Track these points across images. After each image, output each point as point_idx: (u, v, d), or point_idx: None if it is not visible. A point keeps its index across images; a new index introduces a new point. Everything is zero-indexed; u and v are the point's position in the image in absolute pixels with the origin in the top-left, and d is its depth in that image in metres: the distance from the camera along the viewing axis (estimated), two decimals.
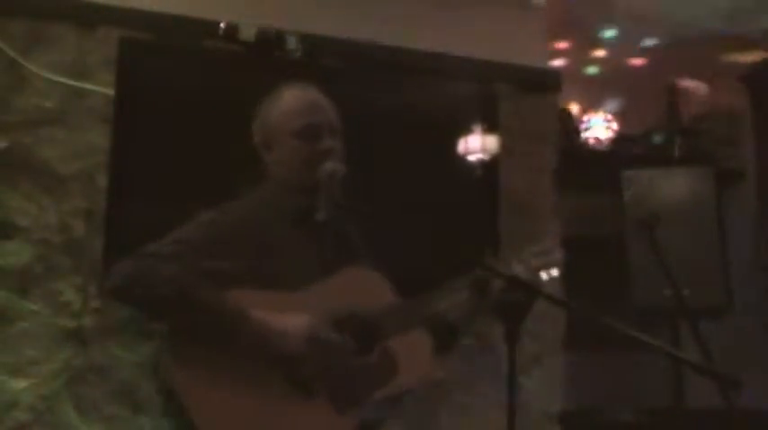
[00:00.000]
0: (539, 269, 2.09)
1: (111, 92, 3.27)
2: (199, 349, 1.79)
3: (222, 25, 3.38)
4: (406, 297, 1.99)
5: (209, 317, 1.79)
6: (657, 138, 4.95)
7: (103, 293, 1.90)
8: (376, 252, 2.11)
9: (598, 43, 4.61)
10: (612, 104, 5.16)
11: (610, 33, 4.48)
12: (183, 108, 3.30)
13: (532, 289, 1.83)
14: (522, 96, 4.03)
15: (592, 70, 4.96)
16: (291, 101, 2.06)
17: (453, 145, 3.89)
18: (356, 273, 1.98)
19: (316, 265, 1.96)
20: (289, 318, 1.82)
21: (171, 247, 1.87)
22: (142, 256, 1.86)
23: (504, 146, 3.93)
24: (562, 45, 4.54)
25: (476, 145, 3.89)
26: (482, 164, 3.88)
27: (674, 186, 4.16)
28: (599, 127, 4.94)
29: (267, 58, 3.45)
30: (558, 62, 4.64)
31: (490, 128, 3.90)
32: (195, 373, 1.77)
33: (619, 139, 4.95)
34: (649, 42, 4.54)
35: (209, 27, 3.39)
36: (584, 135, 4.96)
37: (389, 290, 1.99)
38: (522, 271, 2.02)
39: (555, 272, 2.12)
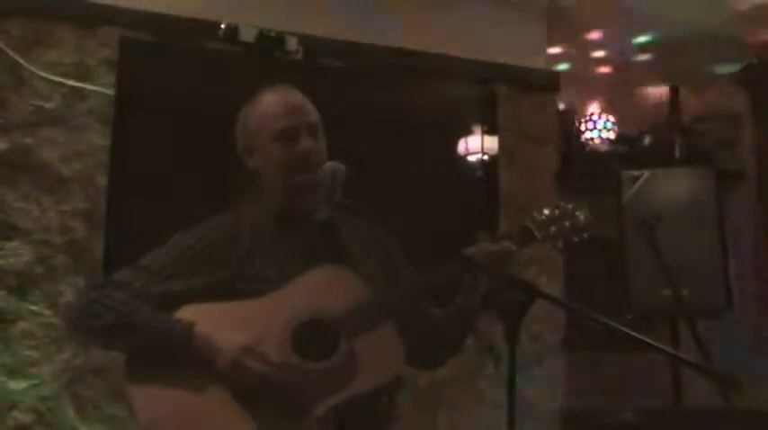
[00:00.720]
0: (548, 239, 2.01)
1: (111, 92, 3.28)
2: (153, 369, 1.84)
3: (222, 26, 3.39)
4: (369, 294, 1.94)
5: (154, 339, 1.83)
6: (657, 139, 4.95)
7: (64, 325, 1.98)
8: (375, 252, 2.09)
9: (598, 43, 4.61)
10: (612, 105, 5.16)
11: (609, 33, 4.48)
12: (182, 109, 3.30)
13: (532, 288, 1.82)
14: (522, 97, 4.03)
15: (591, 70, 4.96)
16: (269, 104, 2.04)
17: (453, 146, 3.89)
18: (326, 273, 1.94)
19: (296, 268, 1.93)
20: (226, 338, 1.84)
21: (129, 274, 1.92)
22: (97, 287, 1.92)
23: (504, 146, 3.94)
24: (562, 45, 4.54)
25: (476, 145, 3.90)
26: (482, 164, 3.88)
27: (674, 186, 4.16)
28: (599, 127, 4.94)
29: (267, 59, 3.45)
30: (557, 62, 4.64)
31: (490, 128, 3.90)
32: (148, 392, 1.83)
33: (619, 140, 4.95)
34: (649, 43, 4.54)
35: (209, 28, 3.39)
36: (584, 135, 4.96)
37: (358, 287, 1.92)
38: (539, 231, 1.97)
39: (575, 238, 2.00)
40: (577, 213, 2.04)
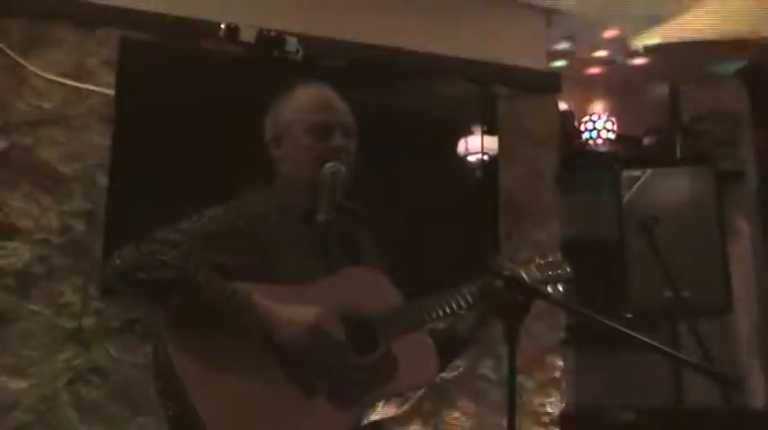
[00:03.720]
0: (546, 282, 2.10)
1: (111, 92, 3.28)
2: (200, 339, 1.77)
3: (222, 26, 3.38)
4: (407, 298, 1.99)
5: (213, 301, 1.77)
6: (657, 139, 4.95)
7: (106, 278, 1.86)
8: (377, 252, 2.10)
9: (598, 44, 4.61)
10: (612, 105, 5.16)
11: (610, 34, 4.48)
12: (182, 108, 3.30)
13: (533, 290, 1.82)
14: (522, 97, 4.03)
15: (591, 71, 4.96)
16: (305, 98, 2.05)
17: (453, 146, 3.89)
18: (360, 272, 1.98)
19: (320, 264, 1.95)
20: (295, 308, 1.81)
21: (175, 236, 1.85)
22: (146, 242, 1.84)
23: (504, 147, 3.94)
24: (562, 46, 4.54)
25: (476, 146, 3.90)
26: (482, 165, 3.88)
27: (674, 186, 4.16)
28: (599, 127, 4.94)
29: (267, 60, 3.45)
30: (557, 63, 4.64)
31: (490, 129, 3.90)
32: (197, 362, 1.75)
33: (619, 140, 4.95)
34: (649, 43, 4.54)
35: (209, 28, 3.38)
36: (584, 136, 4.96)
37: (392, 291, 1.98)
38: (528, 277, 2.04)
39: (560, 287, 2.14)
40: (565, 265, 2.16)
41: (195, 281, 1.77)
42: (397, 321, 1.91)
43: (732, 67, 4.81)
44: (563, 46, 4.54)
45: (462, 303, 1.99)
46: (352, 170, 2.00)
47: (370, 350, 1.86)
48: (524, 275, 2.05)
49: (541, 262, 2.13)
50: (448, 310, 1.99)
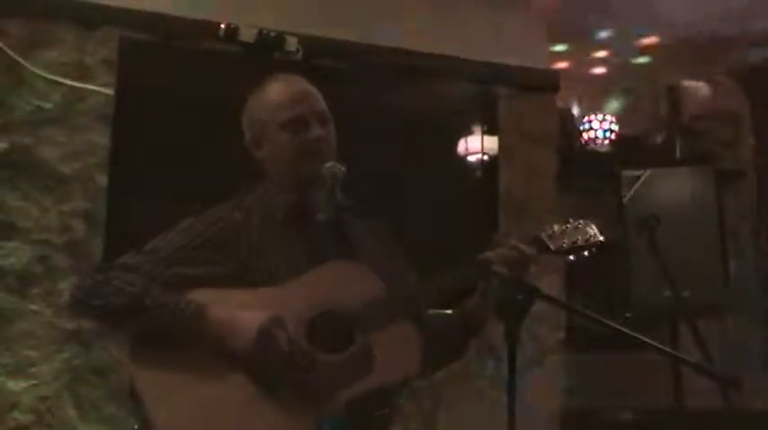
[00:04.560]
0: (569, 252, 2.03)
1: (111, 92, 3.28)
2: (160, 356, 1.79)
3: (222, 26, 3.39)
4: (385, 290, 1.92)
5: (165, 320, 1.79)
6: (657, 139, 4.96)
7: (67, 307, 1.91)
8: (376, 252, 2.09)
9: (598, 44, 4.61)
10: (612, 105, 5.16)
11: (610, 34, 4.48)
12: (182, 108, 3.30)
13: (532, 289, 1.82)
14: (522, 97, 4.03)
15: (591, 71, 4.96)
16: (276, 93, 2.01)
17: (453, 146, 3.89)
18: (341, 267, 1.92)
19: (304, 262, 1.91)
20: (248, 314, 1.80)
21: (138, 258, 1.87)
22: (103, 269, 1.87)
23: (504, 147, 3.94)
24: (562, 46, 4.54)
25: (476, 146, 3.89)
26: (482, 165, 3.88)
27: (674, 186, 4.16)
28: (599, 127, 4.94)
29: (267, 60, 3.45)
30: (557, 63, 4.64)
31: (490, 129, 3.90)
32: (156, 377, 1.78)
33: (619, 140, 4.95)
34: (649, 43, 4.54)
35: (209, 28, 3.39)
36: (584, 136, 4.96)
37: (375, 284, 1.90)
38: (528, 250, 1.97)
39: (585, 253, 2.04)
40: (588, 229, 2.06)
41: (142, 304, 1.78)
42: (374, 314, 1.84)
43: (732, 67, 4.81)
44: (563, 46, 4.55)
45: (445, 287, 1.93)
46: (346, 164, 1.96)
47: (343, 347, 1.82)
48: (549, 242, 1.97)
49: (556, 230, 2.03)
50: (432, 297, 1.95)
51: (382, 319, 1.85)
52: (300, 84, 2.04)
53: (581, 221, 2.07)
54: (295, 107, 1.97)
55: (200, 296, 1.83)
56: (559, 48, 4.54)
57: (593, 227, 2.06)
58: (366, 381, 1.80)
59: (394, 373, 1.84)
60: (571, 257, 2.04)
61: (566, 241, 2.03)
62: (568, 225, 2.05)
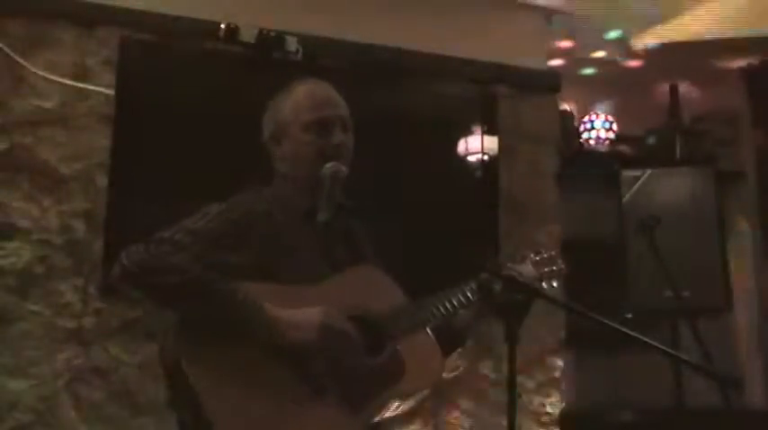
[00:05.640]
0: (540, 278, 2.13)
1: (111, 92, 3.28)
2: (209, 343, 1.76)
3: (222, 26, 3.38)
4: (408, 297, 1.99)
5: (222, 307, 1.76)
6: (657, 139, 4.95)
7: (113, 278, 1.82)
8: (377, 252, 2.10)
9: (598, 44, 4.61)
10: (612, 105, 5.16)
11: (612, 34, 4.48)
12: (182, 108, 3.30)
13: (532, 289, 1.82)
14: (522, 97, 4.03)
15: (591, 71, 4.95)
16: (303, 95, 2.04)
17: (453, 146, 3.89)
18: (363, 272, 1.97)
19: (323, 263, 1.94)
20: (302, 310, 1.81)
21: (181, 236, 1.83)
22: (154, 243, 1.82)
23: (504, 147, 3.94)
24: (562, 46, 4.53)
25: (476, 146, 3.89)
26: (482, 165, 3.88)
27: (674, 186, 4.16)
28: (599, 127, 4.94)
29: (267, 60, 3.45)
30: (557, 63, 4.63)
31: (490, 129, 3.90)
32: (206, 367, 1.74)
33: (619, 140, 4.95)
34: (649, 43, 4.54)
35: (209, 28, 3.39)
36: (584, 136, 4.96)
37: (395, 290, 1.97)
38: (524, 273, 2.05)
39: (555, 283, 2.17)
40: (559, 261, 2.19)
41: (207, 285, 1.76)
42: (402, 321, 1.90)
43: (732, 67, 4.81)
44: (563, 46, 4.54)
45: (463, 301, 1.99)
46: (350, 166, 1.99)
47: (378, 351, 1.85)
48: (520, 272, 2.06)
49: (536, 258, 2.15)
50: (450, 309, 1.99)
51: (409, 327, 1.90)
52: (328, 89, 2.07)
53: (552, 252, 2.22)
54: (320, 110, 2.00)
55: (246, 287, 1.80)
56: (559, 47, 4.53)
57: (559, 259, 2.21)
58: (400, 387, 1.85)
59: (422, 380, 1.90)
60: (544, 285, 2.16)
61: (546, 269, 2.16)
62: (545, 254, 2.19)
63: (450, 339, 2.08)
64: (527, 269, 2.08)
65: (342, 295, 1.88)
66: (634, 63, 4.79)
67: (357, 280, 1.93)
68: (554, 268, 2.15)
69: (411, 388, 1.87)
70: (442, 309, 1.97)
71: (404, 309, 1.92)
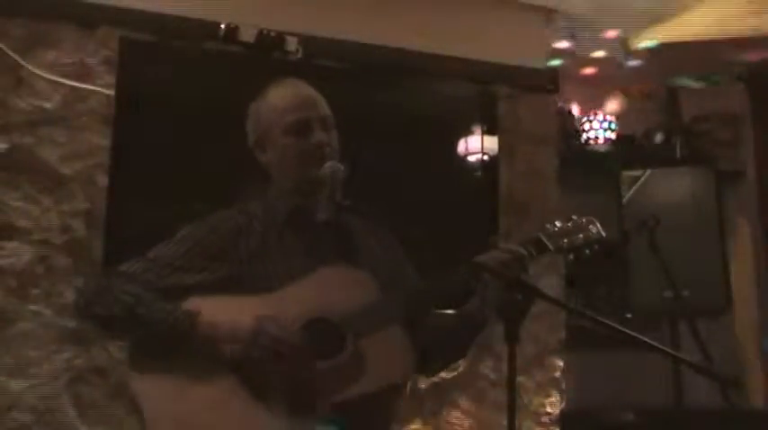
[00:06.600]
0: (570, 249, 2.01)
1: (111, 92, 3.28)
2: (157, 360, 1.84)
3: (222, 26, 3.39)
4: (379, 295, 1.93)
5: (157, 328, 1.83)
6: (657, 139, 4.95)
7: (74, 308, 1.99)
8: (377, 254, 2.09)
9: (598, 44, 4.61)
10: (612, 105, 5.16)
11: (609, 34, 4.48)
12: (182, 108, 3.30)
13: (532, 289, 1.82)
14: (522, 97, 4.03)
15: (591, 71, 4.95)
16: (280, 97, 2.03)
17: (453, 146, 3.89)
18: (336, 272, 1.93)
19: (303, 266, 1.92)
20: (244, 318, 1.83)
21: (139, 265, 1.92)
22: (108, 276, 1.93)
23: (504, 147, 3.94)
24: (562, 46, 4.53)
25: (475, 146, 3.89)
26: (482, 164, 3.88)
27: (674, 186, 4.17)
28: (599, 127, 4.93)
29: (267, 60, 3.45)
30: (557, 62, 4.63)
31: (490, 129, 3.90)
32: (153, 383, 1.83)
33: (619, 140, 4.95)
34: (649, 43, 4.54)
35: (209, 28, 3.39)
36: (584, 135, 4.96)
37: (370, 288, 1.91)
38: (520, 250, 1.97)
39: (587, 251, 2.01)
40: (590, 226, 2.04)
41: (136, 313, 1.83)
42: (366, 320, 1.85)
43: (733, 67, 4.81)
44: (563, 46, 4.54)
45: (438, 294, 1.95)
46: (346, 164, 1.98)
47: (336, 352, 1.83)
48: (517, 251, 1.97)
49: (556, 229, 2.01)
50: (425, 304, 1.97)
51: (375, 324, 1.86)
52: (304, 89, 2.06)
53: (583, 219, 2.05)
54: (299, 111, 1.99)
55: (196, 304, 1.86)
56: (559, 47, 4.53)
57: (596, 224, 2.04)
58: (357, 387, 1.81)
59: (384, 378, 1.85)
60: (571, 256, 2.03)
61: (566, 240, 2.02)
62: (570, 223, 2.04)
63: (451, 347, 2.07)
64: (495, 254, 1.96)
65: (303, 297, 1.87)
66: (634, 63, 4.78)
67: (325, 281, 1.90)
68: (580, 237, 2.00)
69: (372, 386, 1.82)
70: (416, 307, 1.94)
71: (369, 308, 1.87)
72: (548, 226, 2.04)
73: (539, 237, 2.02)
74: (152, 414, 1.81)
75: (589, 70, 4.94)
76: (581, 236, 2.02)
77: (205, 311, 1.84)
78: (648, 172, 4.17)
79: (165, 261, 1.92)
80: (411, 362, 1.88)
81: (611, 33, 4.49)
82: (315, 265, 1.92)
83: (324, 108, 2.04)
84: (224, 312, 1.85)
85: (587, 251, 2.03)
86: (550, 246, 2.00)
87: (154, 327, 1.83)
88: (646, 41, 4.52)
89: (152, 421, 1.80)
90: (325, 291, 1.89)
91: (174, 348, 1.83)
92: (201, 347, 1.82)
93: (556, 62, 4.58)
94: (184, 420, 1.79)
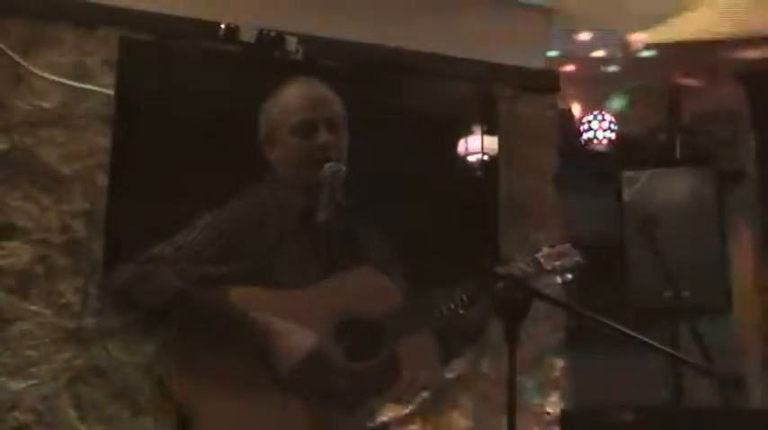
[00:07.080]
0: (554, 272, 2.07)
1: (111, 92, 3.27)
2: (201, 354, 1.80)
3: (222, 26, 3.39)
4: (406, 297, 1.98)
5: (211, 320, 1.80)
6: (657, 139, 4.95)
7: (105, 298, 1.90)
8: (377, 252, 2.09)
9: (598, 43, 4.61)
10: (612, 105, 5.16)
11: (610, 33, 4.48)
12: (182, 108, 3.30)
13: (532, 289, 1.82)
14: (522, 97, 4.03)
15: (591, 71, 4.95)
16: (290, 97, 2.04)
17: (453, 146, 3.89)
18: (360, 273, 1.96)
19: (319, 265, 1.94)
20: (294, 330, 1.81)
21: (168, 252, 1.87)
22: (142, 261, 1.87)
23: (504, 147, 3.94)
24: (562, 46, 4.53)
25: (475, 146, 3.89)
26: (482, 165, 3.88)
27: (674, 186, 4.17)
28: (599, 127, 4.93)
29: (267, 60, 3.45)
30: (557, 63, 4.63)
31: (490, 129, 3.90)
32: (196, 378, 1.78)
33: (619, 140, 4.95)
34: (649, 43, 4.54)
35: (209, 28, 3.39)
36: (584, 136, 4.96)
37: (393, 291, 1.96)
38: (529, 268, 2.01)
39: (570, 276, 2.10)
40: (572, 251, 2.11)
41: (192, 302, 1.80)
42: (399, 323, 1.89)
43: (733, 66, 4.81)
44: (563, 46, 4.54)
45: (465, 300, 1.97)
46: (347, 164, 1.99)
47: (372, 354, 1.85)
48: (526, 268, 2.01)
49: (548, 251, 2.09)
50: (449, 309, 1.98)
51: (405, 329, 1.89)
52: (316, 88, 2.06)
53: (566, 245, 2.13)
54: (305, 112, 2.00)
55: (230, 295, 1.83)
56: (559, 47, 4.53)
57: (576, 251, 2.12)
58: (396, 388, 1.84)
59: (419, 380, 1.90)
60: (558, 280, 2.10)
61: (558, 263, 2.08)
62: (558, 247, 2.11)
63: (457, 341, 2.08)
64: (516, 267, 2.03)
65: (336, 299, 1.88)
66: (634, 62, 4.78)
67: (353, 282, 1.92)
68: (568, 261, 2.08)
69: (407, 389, 1.86)
70: (442, 310, 1.96)
71: (401, 311, 1.91)
72: (542, 248, 2.10)
73: (536, 257, 2.07)
74: (196, 416, 1.76)
75: (589, 70, 4.94)
76: (567, 260, 2.09)
77: (244, 305, 1.82)
78: (648, 172, 4.17)
79: (193, 249, 1.88)
80: (441, 366, 1.91)
81: (611, 33, 4.49)
82: (329, 265, 1.93)
83: (333, 108, 2.04)
84: (255, 305, 1.82)
85: (569, 277, 2.10)
86: (546, 267, 2.05)
87: (206, 318, 1.80)
88: (646, 41, 4.52)
89: (196, 423, 1.76)
90: (355, 292, 1.91)
91: (223, 342, 1.79)
92: (251, 347, 1.79)
93: (555, 62, 4.58)
94: (228, 420, 1.77)
